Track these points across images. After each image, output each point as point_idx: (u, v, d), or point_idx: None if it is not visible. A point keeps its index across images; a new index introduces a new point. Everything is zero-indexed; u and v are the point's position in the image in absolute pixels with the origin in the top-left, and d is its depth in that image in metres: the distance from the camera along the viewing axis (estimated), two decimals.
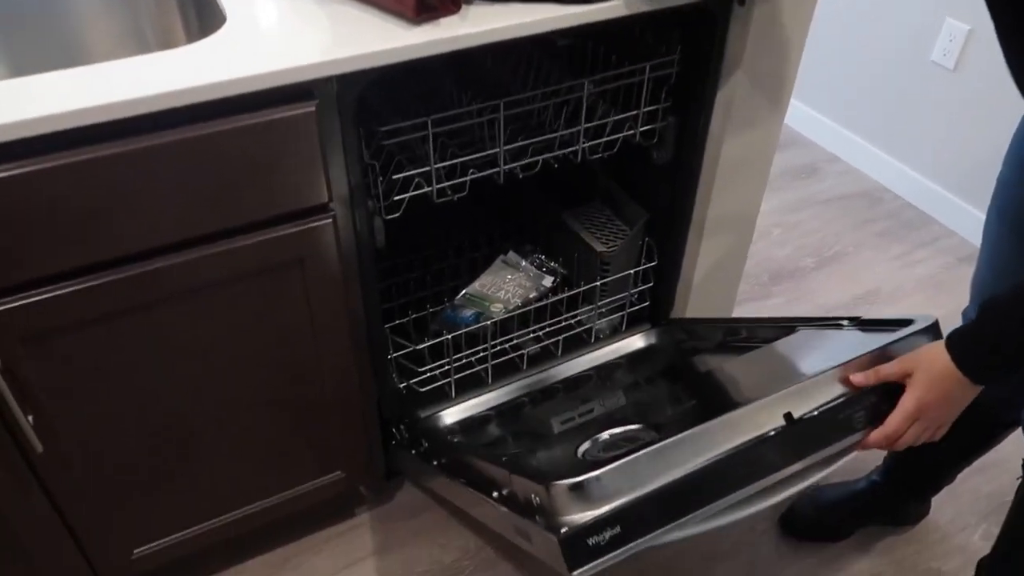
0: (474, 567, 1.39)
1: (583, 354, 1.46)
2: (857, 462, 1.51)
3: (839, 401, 0.89)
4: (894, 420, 0.88)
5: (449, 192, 1.14)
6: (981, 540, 1.45)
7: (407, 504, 1.48)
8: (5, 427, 0.94)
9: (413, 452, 1.24)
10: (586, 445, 1.02)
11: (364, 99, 0.95)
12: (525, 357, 1.42)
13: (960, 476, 1.36)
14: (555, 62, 1.28)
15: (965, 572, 1.39)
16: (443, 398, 1.37)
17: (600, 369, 1.44)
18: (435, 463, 1.15)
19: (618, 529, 0.78)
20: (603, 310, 1.48)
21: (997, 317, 0.82)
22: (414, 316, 1.36)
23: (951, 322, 0.93)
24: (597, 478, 0.79)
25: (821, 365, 0.92)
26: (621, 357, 1.47)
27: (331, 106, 0.93)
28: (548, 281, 1.47)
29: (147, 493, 1.13)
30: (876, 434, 0.89)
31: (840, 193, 2.33)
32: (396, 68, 0.93)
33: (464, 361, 1.37)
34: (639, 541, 0.79)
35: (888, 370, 0.90)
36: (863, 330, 1.08)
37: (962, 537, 1.46)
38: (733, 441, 0.85)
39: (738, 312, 1.89)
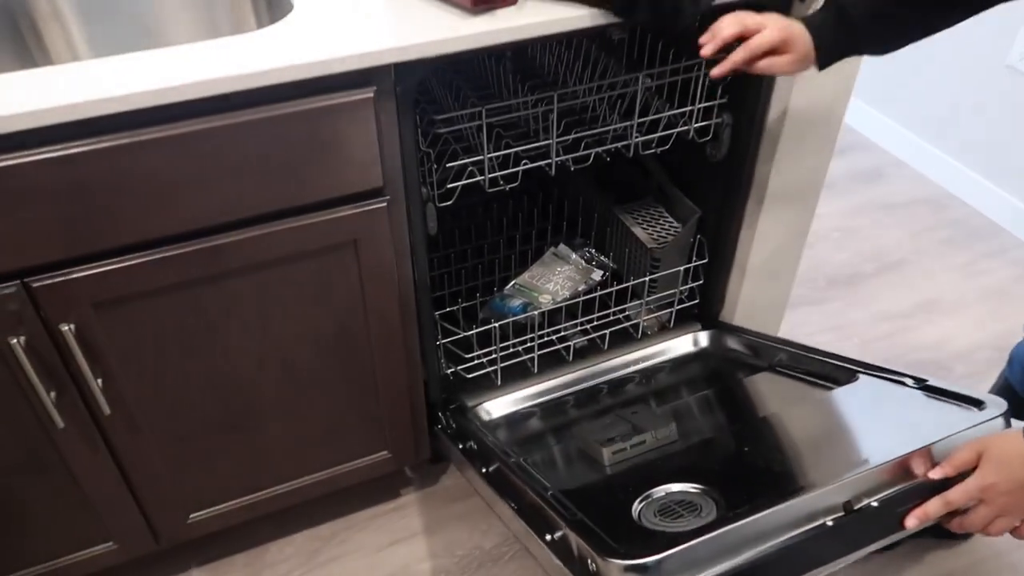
0: (513, 554, 1.41)
1: (630, 351, 1.46)
2: None
3: (900, 492, 0.89)
4: (954, 492, 0.87)
5: (501, 182, 1.16)
6: None
7: (451, 488, 1.51)
8: (77, 388, 1.01)
9: (460, 448, 1.26)
10: (639, 506, 1.00)
11: (421, 87, 0.98)
12: (572, 349, 1.44)
13: None
14: (609, 55, 1.29)
15: None
16: (489, 386, 1.39)
17: (646, 374, 1.44)
18: (483, 471, 1.17)
19: None
20: (652, 306, 1.48)
21: None
22: (464, 305, 1.39)
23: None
24: (658, 563, 0.81)
25: (887, 443, 0.92)
26: (668, 361, 1.46)
27: (389, 93, 0.96)
28: (597, 275, 1.48)
29: (205, 460, 1.19)
30: (937, 502, 0.88)
31: (904, 198, 2.27)
32: (452, 58, 0.95)
33: (511, 350, 1.39)
34: None
35: (963, 458, 0.87)
36: (927, 395, 1.07)
37: (1017, 556, 1.41)
38: (791, 531, 0.86)
39: (792, 315, 1.86)
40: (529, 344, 1.39)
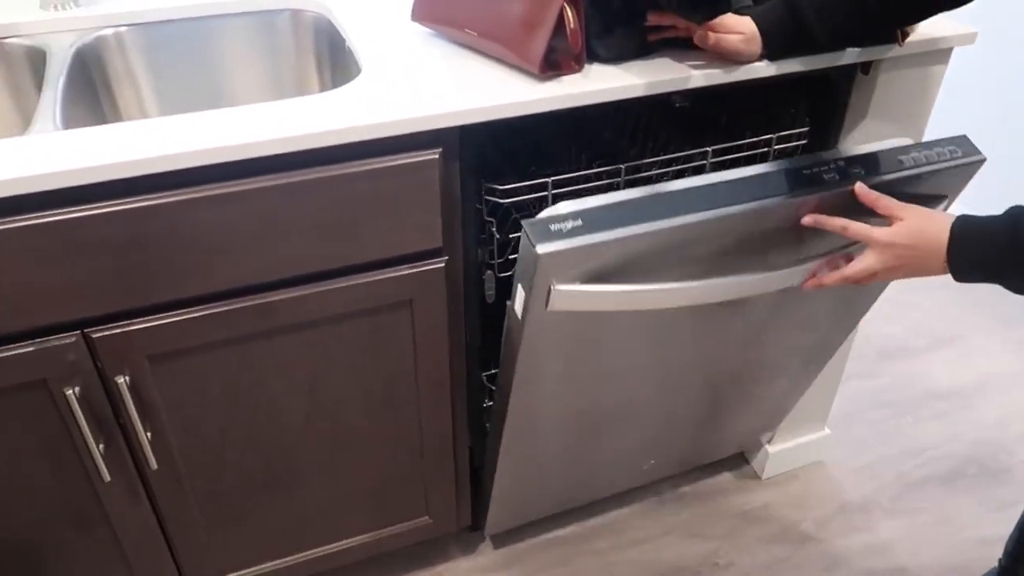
0: None
1: None
2: (983, 561, 1.40)
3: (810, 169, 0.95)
4: (855, 273, 0.91)
5: None
6: None
7: (491, 559, 1.46)
8: (125, 441, 1.00)
9: None
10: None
11: (483, 152, 0.98)
12: None
13: None
14: (669, 123, 1.28)
15: None
16: None
17: None
18: None
19: (580, 222, 0.86)
20: None
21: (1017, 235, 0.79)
22: None
23: None
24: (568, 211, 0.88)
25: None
26: None
27: (453, 155, 0.96)
28: None
29: (244, 519, 1.16)
30: (835, 276, 0.93)
31: None
32: (517, 122, 0.95)
33: None
34: (601, 233, 0.86)
35: (888, 203, 0.91)
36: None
37: None
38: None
39: (842, 388, 1.81)
40: None
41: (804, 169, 0.96)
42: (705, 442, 1.45)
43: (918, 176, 0.99)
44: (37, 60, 1.13)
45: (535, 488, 1.33)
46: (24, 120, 1.20)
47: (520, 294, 0.93)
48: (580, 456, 1.30)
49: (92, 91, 1.16)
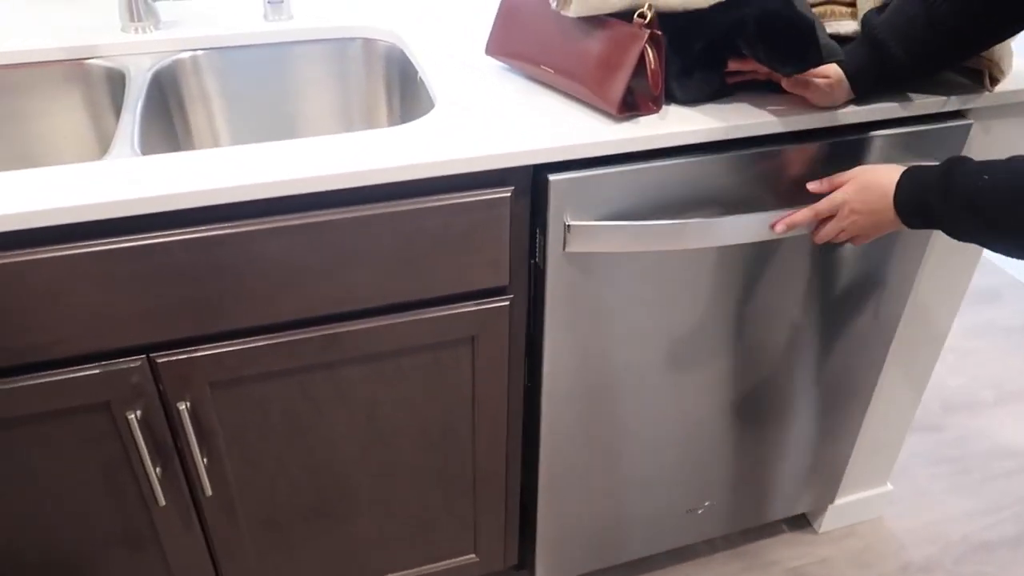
0: None
1: None
2: None
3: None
4: (821, 203, 0.96)
5: None
6: None
7: None
8: (182, 467, 0.99)
9: None
10: None
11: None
12: None
13: None
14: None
15: None
16: None
17: None
18: None
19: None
20: None
21: (959, 182, 0.83)
22: None
23: None
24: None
25: None
26: None
27: (524, 193, 0.95)
28: None
29: (292, 548, 1.15)
30: (806, 211, 0.98)
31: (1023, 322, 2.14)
32: (591, 162, 0.94)
33: None
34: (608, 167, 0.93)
35: (840, 177, 0.96)
36: None
37: None
38: None
39: (909, 443, 1.74)
40: None
41: None
42: (757, 488, 1.40)
43: None
44: (116, 81, 1.15)
45: (583, 526, 1.30)
46: (99, 138, 1.22)
47: (539, 242, 0.99)
48: (624, 480, 1.27)
49: (167, 113, 1.18)
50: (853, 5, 1.01)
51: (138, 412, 0.92)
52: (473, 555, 1.28)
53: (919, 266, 1.20)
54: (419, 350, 1.02)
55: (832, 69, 0.96)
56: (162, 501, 0.98)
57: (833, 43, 0.91)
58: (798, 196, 1.02)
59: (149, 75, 1.11)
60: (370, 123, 1.31)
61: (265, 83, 1.25)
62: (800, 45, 0.90)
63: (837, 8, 1.01)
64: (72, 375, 0.88)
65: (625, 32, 0.91)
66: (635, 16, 0.91)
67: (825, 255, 1.13)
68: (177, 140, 1.21)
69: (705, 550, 1.52)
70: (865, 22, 0.97)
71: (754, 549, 1.53)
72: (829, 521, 1.54)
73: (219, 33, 1.20)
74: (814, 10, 0.99)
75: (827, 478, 1.45)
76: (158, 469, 0.97)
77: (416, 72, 1.14)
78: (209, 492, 1.00)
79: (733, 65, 0.99)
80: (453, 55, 1.13)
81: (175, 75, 1.19)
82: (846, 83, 0.97)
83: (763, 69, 0.97)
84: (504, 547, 1.30)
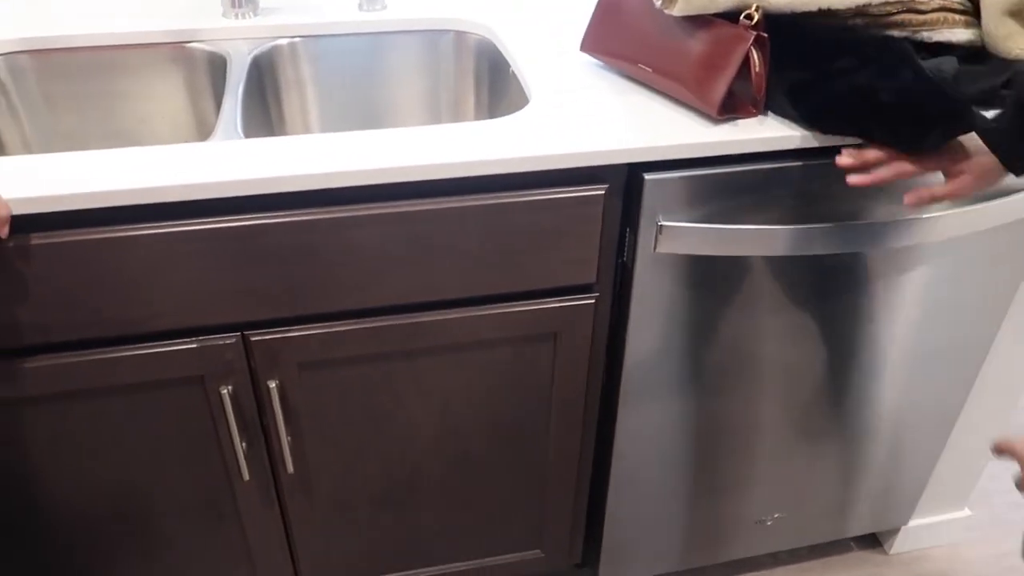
0: None
1: None
2: None
3: None
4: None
5: None
6: None
7: None
8: (266, 444, 1.02)
9: None
10: None
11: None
12: None
13: None
14: None
15: None
16: None
17: None
18: None
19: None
20: None
21: None
22: None
23: None
24: None
25: None
26: None
27: (618, 192, 0.94)
28: None
29: (361, 531, 1.17)
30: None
31: None
32: (688, 163, 0.92)
33: None
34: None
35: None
36: None
37: None
38: None
39: (990, 468, 1.68)
40: None
41: None
42: (829, 504, 1.37)
43: None
44: (216, 65, 1.18)
45: (649, 528, 1.29)
46: (197, 121, 1.25)
47: (628, 241, 0.98)
48: (695, 486, 1.25)
49: (263, 98, 1.20)
50: (967, 13, 0.98)
51: (229, 387, 0.95)
52: (539, 551, 1.28)
53: (1016, 289, 1.16)
54: (500, 343, 1.02)
55: (969, 150, 0.86)
56: (246, 476, 1.01)
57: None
58: (899, 208, 0.99)
59: (249, 59, 1.14)
60: (457, 116, 1.32)
61: (357, 72, 1.27)
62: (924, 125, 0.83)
63: (950, 16, 0.97)
64: (170, 348, 0.91)
65: (730, 33, 0.90)
66: (741, 17, 0.89)
67: (918, 270, 1.09)
68: (271, 125, 1.24)
69: (768, 562, 1.49)
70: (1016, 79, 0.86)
71: (819, 566, 1.49)
72: (901, 543, 1.50)
73: (315, 21, 1.22)
74: (926, 16, 0.96)
75: (902, 499, 1.41)
76: (244, 444, 1.00)
77: (508, 66, 1.14)
78: (291, 469, 1.02)
79: (843, 162, 0.89)
80: (547, 50, 1.13)
81: (272, 61, 1.21)
82: (995, 165, 0.85)
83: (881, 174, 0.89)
84: (570, 545, 1.29)
